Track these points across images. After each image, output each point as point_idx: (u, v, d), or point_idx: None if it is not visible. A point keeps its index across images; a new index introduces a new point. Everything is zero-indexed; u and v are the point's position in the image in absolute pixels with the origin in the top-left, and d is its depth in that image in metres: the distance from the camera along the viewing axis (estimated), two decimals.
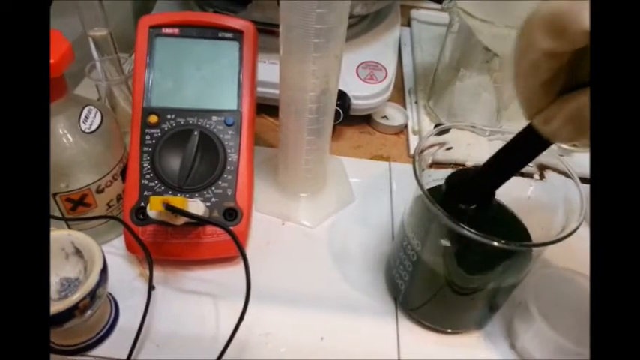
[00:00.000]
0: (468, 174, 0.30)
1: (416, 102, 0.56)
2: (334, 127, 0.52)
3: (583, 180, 0.29)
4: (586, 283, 0.33)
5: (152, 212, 0.30)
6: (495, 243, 0.26)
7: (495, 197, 0.35)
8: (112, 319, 0.34)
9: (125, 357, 0.31)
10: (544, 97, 0.22)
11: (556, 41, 0.19)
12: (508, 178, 0.27)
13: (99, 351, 0.33)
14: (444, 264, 0.31)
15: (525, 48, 0.21)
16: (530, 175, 0.33)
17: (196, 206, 0.32)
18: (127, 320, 0.34)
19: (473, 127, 0.33)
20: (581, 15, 0.17)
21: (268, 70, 0.45)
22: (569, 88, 0.22)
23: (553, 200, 0.31)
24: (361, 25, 0.56)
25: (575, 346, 0.30)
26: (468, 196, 0.29)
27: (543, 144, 0.24)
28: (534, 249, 0.30)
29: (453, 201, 0.29)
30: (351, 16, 0.55)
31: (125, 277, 0.37)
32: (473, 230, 0.26)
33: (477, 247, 0.29)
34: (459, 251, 0.30)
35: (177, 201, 0.30)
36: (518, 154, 0.25)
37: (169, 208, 0.30)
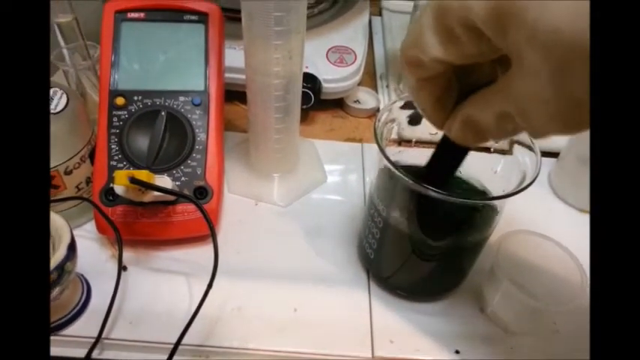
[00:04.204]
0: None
1: (387, 86, 0.56)
2: (307, 111, 0.53)
3: (544, 154, 0.30)
4: (545, 242, 0.34)
5: (118, 187, 0.30)
6: (459, 200, 0.27)
7: (461, 172, 0.36)
8: (83, 299, 0.34)
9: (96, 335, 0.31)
10: (442, 113, 0.23)
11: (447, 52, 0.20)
12: (450, 174, 0.27)
13: (70, 330, 0.33)
14: (408, 226, 0.31)
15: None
16: (501, 151, 0.34)
17: (163, 181, 0.33)
18: (99, 301, 0.34)
19: None
20: None
21: (240, 57, 0.45)
22: (464, 95, 0.22)
23: (516, 173, 0.32)
24: (330, 11, 0.57)
25: (541, 304, 0.31)
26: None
27: (461, 148, 0.25)
28: (498, 206, 0.31)
29: None
30: (320, 2, 0.56)
31: (97, 260, 0.37)
32: (434, 188, 0.27)
33: (439, 207, 0.30)
34: (423, 212, 0.31)
35: (143, 174, 0.30)
36: (448, 158, 0.26)
37: (135, 182, 0.30)
